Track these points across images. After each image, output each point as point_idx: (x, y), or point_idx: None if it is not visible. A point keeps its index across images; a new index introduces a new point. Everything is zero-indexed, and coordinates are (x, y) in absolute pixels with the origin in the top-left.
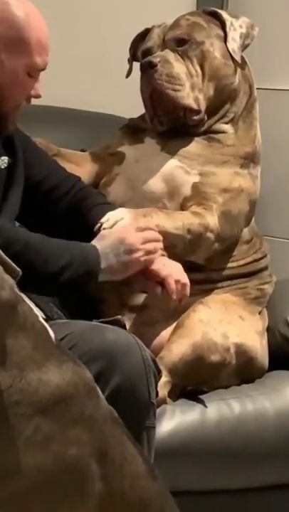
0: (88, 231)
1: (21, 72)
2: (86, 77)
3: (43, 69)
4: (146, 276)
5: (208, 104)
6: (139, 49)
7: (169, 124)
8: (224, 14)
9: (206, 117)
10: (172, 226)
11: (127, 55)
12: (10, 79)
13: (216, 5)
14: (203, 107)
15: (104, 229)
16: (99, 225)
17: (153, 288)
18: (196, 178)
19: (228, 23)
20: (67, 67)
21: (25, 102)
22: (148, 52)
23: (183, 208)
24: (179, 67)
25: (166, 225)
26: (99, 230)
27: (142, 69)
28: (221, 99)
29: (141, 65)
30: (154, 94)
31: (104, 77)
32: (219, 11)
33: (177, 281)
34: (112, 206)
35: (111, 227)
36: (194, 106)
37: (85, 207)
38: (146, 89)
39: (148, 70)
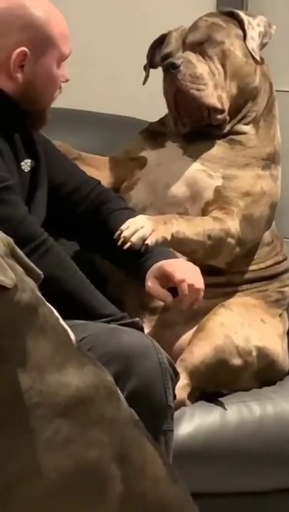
0: (108, 235)
1: (54, 67)
2: (105, 80)
3: (67, 57)
4: (160, 280)
5: (230, 102)
6: (157, 55)
7: (192, 125)
8: (241, 13)
9: (228, 118)
10: (193, 232)
11: (145, 59)
12: (45, 77)
13: (235, 7)
14: (226, 106)
15: (124, 237)
16: (119, 232)
17: (164, 296)
18: (219, 182)
19: (246, 22)
20: (87, 70)
21: (58, 91)
22: (168, 56)
23: (204, 212)
24: (201, 67)
25: (187, 231)
26: (119, 237)
27: (165, 71)
28: (243, 98)
29: (163, 67)
30: (178, 95)
31: (123, 80)
32: (236, 10)
33: (191, 286)
34: (131, 212)
35: (131, 235)
36: (218, 105)
37: (104, 211)
38: (170, 90)
39: (171, 71)
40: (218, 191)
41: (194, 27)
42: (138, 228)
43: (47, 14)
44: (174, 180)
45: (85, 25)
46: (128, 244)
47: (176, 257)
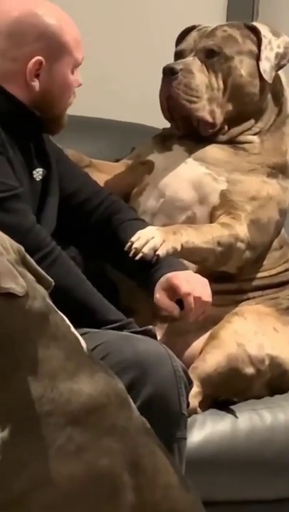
0: (118, 245)
1: (69, 73)
2: (115, 86)
3: (82, 61)
4: (168, 292)
5: (227, 117)
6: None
7: (185, 129)
8: (264, 30)
9: (226, 127)
10: (202, 241)
11: (157, 65)
12: (61, 84)
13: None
14: (219, 121)
15: (135, 248)
16: (129, 243)
17: (171, 309)
18: (224, 186)
19: (265, 41)
20: (96, 78)
21: (72, 97)
22: (180, 54)
23: (212, 216)
24: (200, 78)
25: (196, 240)
26: (130, 248)
27: (164, 73)
28: (242, 115)
29: (163, 68)
30: (170, 100)
31: (133, 86)
32: (259, 27)
33: (197, 299)
34: (142, 222)
35: (142, 246)
36: (209, 119)
37: (115, 221)
38: (164, 94)
39: (168, 75)
40: (223, 195)
41: (211, 33)
42: (149, 239)
43: (59, 21)
44: (181, 184)
45: (91, 31)
46: (140, 255)
47: (186, 268)
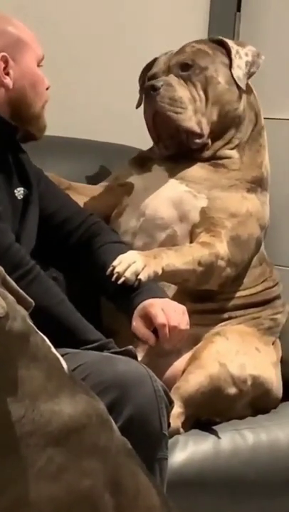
0: (98, 268)
1: (35, 66)
2: (95, 107)
3: (42, 59)
4: (145, 320)
5: (211, 128)
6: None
7: (173, 147)
8: (230, 42)
9: (210, 142)
10: (182, 262)
11: (137, 85)
12: (32, 77)
13: (226, 32)
14: (206, 131)
15: (117, 272)
16: (111, 268)
17: (147, 338)
18: (204, 203)
19: (233, 51)
20: (77, 98)
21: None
22: (153, 77)
23: (192, 234)
24: (182, 91)
25: (177, 263)
26: (111, 272)
27: (145, 92)
28: (224, 125)
29: (144, 88)
30: (157, 117)
31: (113, 107)
32: (225, 39)
33: (173, 327)
34: (123, 245)
35: (124, 270)
36: (196, 129)
37: (96, 243)
38: (149, 112)
39: (150, 93)
40: (203, 212)
41: (181, 51)
42: (130, 263)
43: (16, 25)
44: (161, 203)
45: (73, 53)
46: (122, 279)
47: (165, 295)
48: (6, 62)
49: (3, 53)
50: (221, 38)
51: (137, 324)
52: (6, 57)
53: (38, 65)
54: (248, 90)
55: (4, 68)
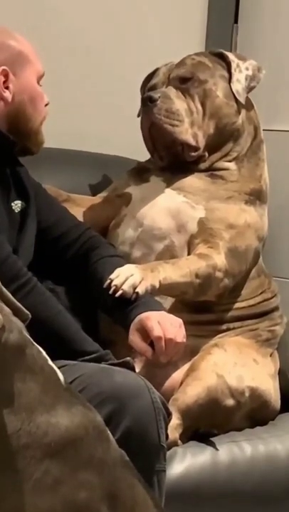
0: (96, 281)
1: (35, 82)
2: (92, 118)
3: (42, 76)
4: (141, 333)
5: (208, 141)
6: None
7: (168, 158)
8: (231, 56)
9: (206, 154)
10: (179, 275)
11: (135, 96)
12: (31, 92)
13: (224, 45)
14: (201, 144)
15: (115, 285)
16: (109, 281)
17: (143, 351)
18: (202, 214)
19: (233, 65)
20: (74, 109)
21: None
22: (152, 88)
23: (190, 245)
24: (179, 103)
25: (174, 275)
26: (109, 286)
27: (143, 103)
28: (222, 138)
29: (142, 99)
30: (153, 128)
31: (111, 118)
32: (226, 52)
33: (169, 340)
34: (120, 259)
35: (121, 283)
36: (192, 142)
37: (93, 257)
38: (146, 123)
39: (148, 104)
40: (201, 223)
41: (181, 63)
42: (128, 277)
43: (17, 39)
44: (158, 213)
45: (69, 63)
46: (120, 292)
47: (162, 308)
48: (6, 76)
49: (4, 67)
50: (221, 51)
51: (134, 337)
52: (6, 71)
53: (38, 83)
54: (248, 104)
55: (4, 82)
